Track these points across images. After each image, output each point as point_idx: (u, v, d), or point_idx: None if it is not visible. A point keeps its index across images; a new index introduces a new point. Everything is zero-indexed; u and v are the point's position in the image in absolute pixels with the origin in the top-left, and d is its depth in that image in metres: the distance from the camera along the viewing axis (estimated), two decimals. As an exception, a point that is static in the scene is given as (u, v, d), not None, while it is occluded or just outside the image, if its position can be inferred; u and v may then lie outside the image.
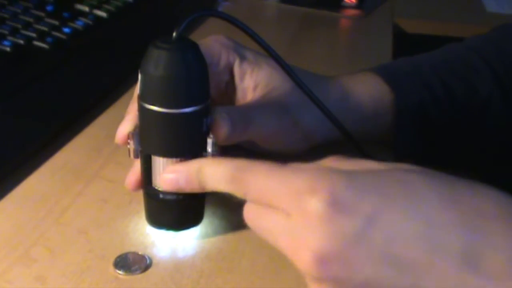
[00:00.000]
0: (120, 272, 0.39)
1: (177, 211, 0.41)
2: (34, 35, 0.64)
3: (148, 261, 0.40)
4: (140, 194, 0.41)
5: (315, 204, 0.32)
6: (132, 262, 0.40)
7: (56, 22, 0.67)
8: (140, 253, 0.41)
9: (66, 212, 0.44)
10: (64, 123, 0.54)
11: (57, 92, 0.58)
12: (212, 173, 0.37)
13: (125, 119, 0.42)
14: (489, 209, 0.32)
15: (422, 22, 0.98)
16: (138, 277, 0.39)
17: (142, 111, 0.38)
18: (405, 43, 0.91)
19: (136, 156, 0.40)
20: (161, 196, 0.40)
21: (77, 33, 0.67)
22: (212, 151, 0.39)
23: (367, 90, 0.52)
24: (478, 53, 0.59)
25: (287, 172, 0.34)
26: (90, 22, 0.69)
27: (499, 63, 0.58)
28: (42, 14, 0.69)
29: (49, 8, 0.70)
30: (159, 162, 0.39)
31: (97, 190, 0.47)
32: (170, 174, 0.39)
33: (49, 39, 0.63)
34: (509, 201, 0.32)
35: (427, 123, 0.55)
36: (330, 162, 0.37)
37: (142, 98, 0.38)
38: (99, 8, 0.73)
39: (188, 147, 0.39)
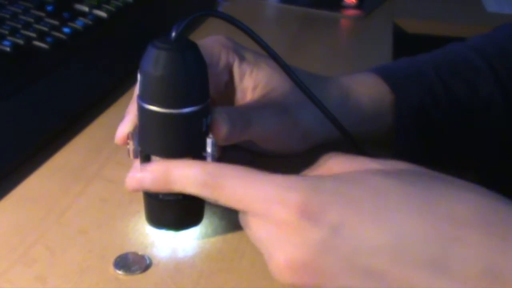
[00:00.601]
0: (120, 272, 0.39)
1: (177, 211, 0.41)
2: (34, 35, 0.64)
3: (148, 261, 0.40)
4: (140, 194, 0.41)
5: (283, 214, 0.33)
6: (132, 262, 0.40)
7: (56, 22, 0.67)
8: (140, 253, 0.41)
9: (66, 212, 0.44)
10: (64, 123, 0.54)
11: (57, 92, 0.58)
12: (181, 175, 0.37)
13: (124, 119, 0.42)
14: (465, 217, 0.31)
15: (422, 22, 0.98)
16: (138, 277, 0.39)
17: (142, 111, 0.38)
18: (405, 43, 0.91)
19: (135, 156, 0.40)
20: (161, 196, 0.40)
21: (77, 33, 0.67)
22: (212, 151, 0.39)
23: (367, 91, 0.52)
24: (480, 53, 0.58)
25: (258, 180, 0.34)
26: (90, 22, 0.69)
27: (501, 64, 0.58)
28: (42, 14, 0.69)
29: (49, 8, 0.70)
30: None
31: (97, 190, 0.47)
32: (137, 173, 0.39)
33: (49, 39, 0.63)
34: (490, 208, 0.31)
35: (427, 124, 0.54)
36: (328, 160, 0.38)
37: (141, 98, 0.38)
38: (99, 8, 0.73)
39: (187, 147, 0.39)
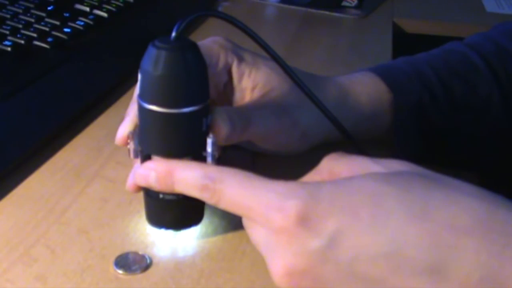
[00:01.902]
0: (120, 271, 0.39)
1: (177, 211, 0.41)
2: (34, 35, 0.64)
3: (148, 261, 0.40)
4: (140, 194, 0.41)
5: (281, 221, 0.33)
6: (132, 262, 0.40)
7: (57, 22, 0.67)
8: (140, 252, 0.41)
9: (67, 211, 0.44)
10: (64, 123, 0.54)
11: (57, 91, 0.58)
12: (182, 177, 0.37)
13: (125, 120, 0.42)
14: (465, 224, 0.31)
15: (422, 22, 0.98)
16: (138, 277, 0.39)
17: (142, 110, 0.38)
18: (405, 43, 0.90)
19: (136, 156, 0.40)
20: (161, 196, 0.40)
21: (77, 33, 0.67)
22: (212, 151, 0.39)
23: (365, 90, 0.52)
24: (478, 52, 0.58)
25: (258, 187, 0.35)
26: (90, 22, 0.69)
27: (499, 62, 0.58)
28: (42, 14, 0.69)
29: (49, 8, 0.71)
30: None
31: (97, 189, 0.47)
32: (143, 170, 0.39)
33: (49, 39, 0.64)
34: (490, 214, 0.31)
35: (426, 123, 0.55)
36: (329, 162, 0.38)
37: (141, 97, 0.38)
38: (99, 8, 0.73)
39: (187, 147, 0.39)
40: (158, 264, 0.40)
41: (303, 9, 0.94)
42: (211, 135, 0.39)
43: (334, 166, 0.37)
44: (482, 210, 0.31)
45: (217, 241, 0.42)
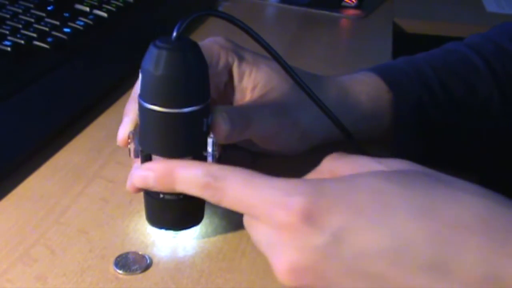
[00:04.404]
0: (120, 271, 0.39)
1: (178, 210, 0.41)
2: (34, 35, 0.64)
3: (148, 261, 0.40)
4: (140, 194, 0.41)
5: (285, 218, 0.33)
6: (132, 262, 0.40)
7: (57, 22, 0.67)
8: (140, 252, 0.41)
9: (67, 212, 0.44)
10: (64, 123, 0.54)
11: (57, 92, 0.58)
12: (184, 176, 0.37)
13: (124, 121, 0.42)
14: (466, 221, 0.31)
15: (422, 22, 0.99)
16: (138, 277, 0.39)
17: (142, 110, 0.38)
18: (405, 43, 0.91)
19: (136, 156, 0.40)
20: (161, 196, 0.40)
21: (77, 33, 0.67)
22: (212, 150, 0.39)
23: (365, 90, 0.52)
24: (478, 52, 0.58)
25: (260, 184, 0.35)
26: (90, 22, 0.69)
27: (498, 62, 0.58)
28: (42, 14, 0.69)
29: (49, 8, 0.71)
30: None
31: (97, 190, 0.47)
32: (142, 171, 0.39)
33: (49, 39, 0.63)
34: (492, 212, 0.31)
35: (426, 123, 0.55)
36: (330, 161, 0.38)
37: (142, 97, 0.38)
38: (99, 8, 0.73)
39: (188, 147, 0.39)
40: (158, 264, 0.40)
41: (303, 9, 0.94)
42: (211, 135, 0.39)
43: (335, 166, 0.37)
44: (483, 209, 0.31)
45: (217, 241, 0.42)
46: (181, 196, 0.39)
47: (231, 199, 0.35)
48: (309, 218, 0.32)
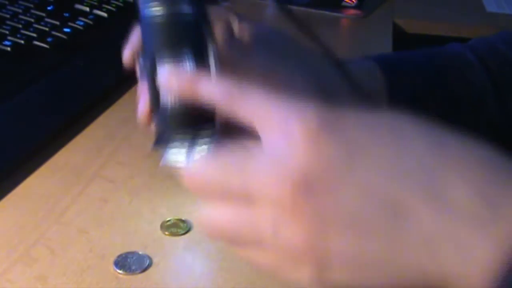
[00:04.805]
0: (120, 271, 0.39)
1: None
2: (34, 34, 0.64)
3: (148, 261, 0.40)
4: (140, 194, 0.41)
5: (302, 127, 0.31)
6: (132, 262, 0.40)
7: (57, 22, 0.67)
8: (140, 252, 0.41)
9: (67, 212, 0.44)
10: (64, 123, 0.54)
11: (57, 92, 0.58)
12: (207, 86, 0.35)
13: (141, 98, 0.41)
14: (472, 156, 0.32)
15: (422, 22, 0.99)
16: (138, 277, 0.39)
17: (143, 20, 0.38)
18: (405, 43, 0.91)
19: (143, 75, 0.40)
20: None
21: (77, 33, 0.67)
22: (215, 60, 0.39)
23: (362, 74, 0.53)
24: (472, 50, 0.60)
25: (278, 98, 0.33)
26: (90, 22, 0.69)
27: (492, 61, 0.59)
28: (42, 14, 0.69)
29: (49, 8, 0.71)
30: (164, 72, 0.38)
31: (97, 190, 0.47)
32: (166, 76, 0.37)
33: (49, 39, 0.64)
34: (494, 156, 0.33)
35: (422, 112, 0.55)
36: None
37: (142, 3, 0.38)
38: (99, 8, 0.73)
39: (190, 50, 0.38)
40: (158, 264, 0.40)
41: (303, 9, 0.93)
42: (212, 43, 0.39)
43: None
44: (486, 154, 0.33)
45: (217, 241, 0.42)
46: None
47: (247, 109, 0.34)
48: (327, 127, 0.31)
